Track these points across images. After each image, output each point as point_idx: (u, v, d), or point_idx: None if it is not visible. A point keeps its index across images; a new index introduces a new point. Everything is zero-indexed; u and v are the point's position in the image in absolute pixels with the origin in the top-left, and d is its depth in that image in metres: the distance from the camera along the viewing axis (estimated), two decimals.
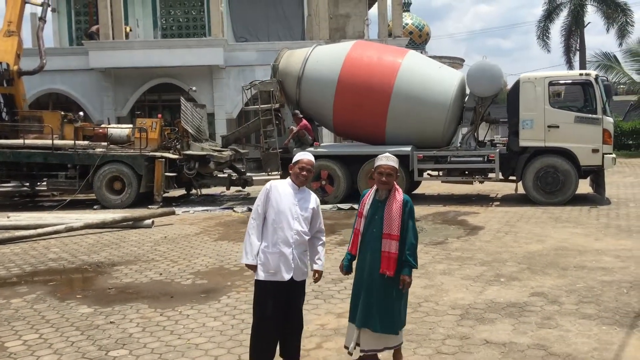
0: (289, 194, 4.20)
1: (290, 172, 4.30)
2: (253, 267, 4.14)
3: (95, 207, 14.30)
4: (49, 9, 19.12)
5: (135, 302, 6.29)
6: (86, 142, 15.34)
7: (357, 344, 4.17)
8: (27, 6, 17.63)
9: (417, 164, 13.42)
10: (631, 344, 4.74)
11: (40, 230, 10.38)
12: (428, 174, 14.23)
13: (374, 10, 28.32)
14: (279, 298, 4.08)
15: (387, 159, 4.15)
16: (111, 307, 6.13)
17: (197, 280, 7.21)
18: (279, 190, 4.21)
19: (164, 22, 26.47)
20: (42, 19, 17.90)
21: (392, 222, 4.06)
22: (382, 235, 4.07)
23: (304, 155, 4.31)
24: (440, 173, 13.99)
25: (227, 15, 25.61)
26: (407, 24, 37.52)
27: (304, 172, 4.23)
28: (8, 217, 11.99)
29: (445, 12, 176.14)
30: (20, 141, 14.87)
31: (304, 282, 4.24)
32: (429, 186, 16.21)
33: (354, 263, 4.32)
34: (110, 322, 5.65)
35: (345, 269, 4.31)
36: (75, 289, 7.05)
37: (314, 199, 4.31)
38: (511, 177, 13.47)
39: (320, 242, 4.33)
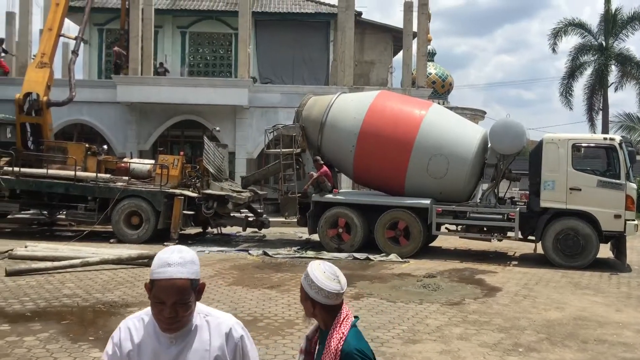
0: (154, 349, 2.20)
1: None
2: None
3: (111, 240, 14.35)
4: (82, 42, 19.63)
5: None
6: (108, 176, 15.51)
7: None
8: (60, 38, 18.11)
9: (435, 217, 13.33)
10: None
11: (56, 264, 10.45)
12: (446, 228, 14.11)
13: (398, 57, 28.70)
14: None
15: None
16: None
17: None
18: (135, 347, 2.22)
19: (191, 59, 27.03)
20: (75, 52, 18.38)
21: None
22: None
23: (163, 272, 2.17)
24: (459, 228, 13.87)
25: (254, 55, 26.08)
26: (430, 74, 37.79)
27: (167, 311, 2.11)
28: (26, 247, 12.06)
29: (467, 61, 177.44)
30: (43, 171, 15.10)
31: None
32: (446, 239, 16.06)
33: None
34: None
35: None
36: (88, 330, 7.01)
37: (218, 338, 2.22)
38: (530, 237, 13.32)
39: None
